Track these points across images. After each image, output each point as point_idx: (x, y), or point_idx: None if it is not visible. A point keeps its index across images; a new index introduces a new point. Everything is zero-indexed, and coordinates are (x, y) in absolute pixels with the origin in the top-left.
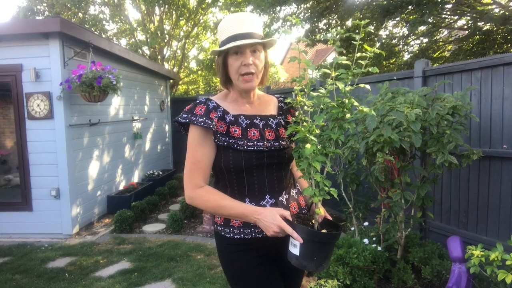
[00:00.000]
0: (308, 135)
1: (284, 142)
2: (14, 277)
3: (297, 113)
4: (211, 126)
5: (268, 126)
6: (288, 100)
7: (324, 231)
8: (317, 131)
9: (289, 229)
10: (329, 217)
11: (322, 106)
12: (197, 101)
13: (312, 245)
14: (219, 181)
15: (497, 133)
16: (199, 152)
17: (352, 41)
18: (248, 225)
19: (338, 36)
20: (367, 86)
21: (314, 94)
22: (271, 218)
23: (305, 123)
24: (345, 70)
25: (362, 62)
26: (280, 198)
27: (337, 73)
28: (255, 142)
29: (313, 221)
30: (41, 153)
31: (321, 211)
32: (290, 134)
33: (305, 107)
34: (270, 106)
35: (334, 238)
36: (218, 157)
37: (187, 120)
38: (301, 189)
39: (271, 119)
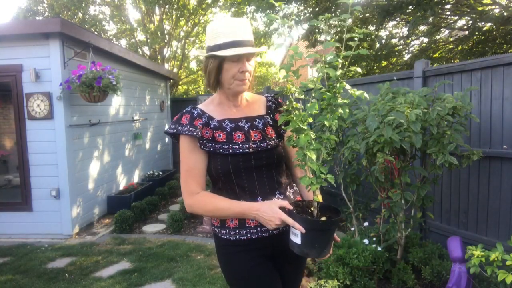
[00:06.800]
0: (300, 125)
1: (272, 142)
2: (14, 277)
3: (287, 101)
4: (195, 134)
5: (254, 127)
6: (278, 89)
7: (323, 218)
8: (310, 120)
9: (290, 221)
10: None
11: (313, 94)
12: (183, 111)
13: (313, 233)
14: (214, 186)
15: (497, 133)
16: (190, 159)
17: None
18: (243, 226)
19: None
20: (357, 92)
21: (305, 82)
22: (271, 212)
23: (296, 111)
24: (334, 53)
25: (352, 43)
26: (274, 199)
27: (326, 56)
28: (240, 145)
29: (312, 208)
30: (41, 153)
31: (320, 199)
32: (277, 132)
33: (296, 95)
34: (258, 106)
35: (334, 224)
36: (208, 164)
37: (175, 131)
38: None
39: (258, 119)
